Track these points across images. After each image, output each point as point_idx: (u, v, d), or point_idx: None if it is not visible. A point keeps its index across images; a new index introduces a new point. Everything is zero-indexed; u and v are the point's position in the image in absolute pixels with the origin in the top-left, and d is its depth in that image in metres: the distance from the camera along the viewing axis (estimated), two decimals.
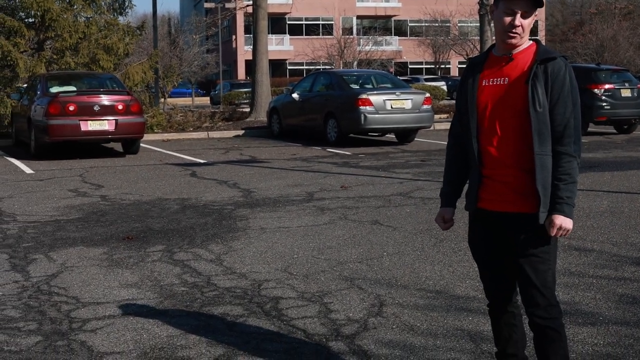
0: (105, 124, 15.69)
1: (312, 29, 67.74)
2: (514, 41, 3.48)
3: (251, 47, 26.97)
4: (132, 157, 16.37)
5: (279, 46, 66.33)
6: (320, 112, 18.88)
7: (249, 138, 21.23)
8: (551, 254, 3.53)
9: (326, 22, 68.57)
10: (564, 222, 3.42)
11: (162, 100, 31.41)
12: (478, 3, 28.55)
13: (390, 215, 9.00)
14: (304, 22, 69.35)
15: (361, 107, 17.53)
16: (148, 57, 24.27)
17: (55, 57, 21.31)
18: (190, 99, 51.93)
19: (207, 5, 53.44)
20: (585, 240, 7.46)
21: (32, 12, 21.62)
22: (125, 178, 12.79)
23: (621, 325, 5.05)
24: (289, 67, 68.53)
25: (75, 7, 21.89)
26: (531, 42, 3.57)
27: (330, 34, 59.24)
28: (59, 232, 8.36)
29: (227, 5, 46.75)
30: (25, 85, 20.02)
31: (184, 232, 8.27)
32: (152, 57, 23.76)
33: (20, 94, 19.24)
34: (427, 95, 18.74)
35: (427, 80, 51.85)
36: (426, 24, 66.72)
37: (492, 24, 29.94)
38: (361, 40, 49.87)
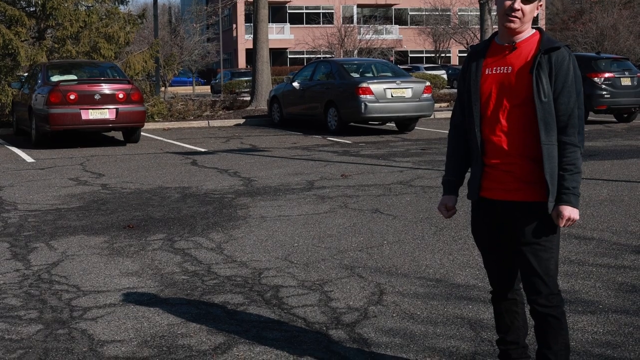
0: (106, 113, 15.69)
1: (312, 18, 67.70)
2: (512, 25, 3.46)
3: (252, 35, 26.93)
4: (133, 145, 16.36)
5: (279, 35, 66.28)
6: (321, 101, 18.87)
7: (250, 127, 21.20)
8: (554, 243, 3.53)
9: (327, 11, 68.48)
10: (572, 212, 3.42)
11: (163, 89, 31.40)
12: None
13: (391, 204, 9.00)
14: (304, 11, 69.28)
15: (361, 95, 17.51)
16: (149, 46, 24.23)
17: (56, 45, 21.28)
18: (191, 87, 51.98)
19: None
20: (585, 229, 7.47)
21: (33, 1, 21.65)
22: (126, 167, 12.80)
23: (621, 313, 5.06)
24: (289, 56, 68.52)
25: None
26: (534, 30, 3.55)
27: (331, 22, 59.18)
28: (60, 220, 8.37)
29: None
30: (26, 74, 20.00)
31: (185, 220, 8.28)
32: (153, 46, 23.72)
33: (21, 83, 19.23)
34: (428, 84, 18.70)
35: (427, 69, 51.84)
36: (426, 13, 66.70)
37: (492, 13, 29.78)
38: (361, 29, 49.80)
